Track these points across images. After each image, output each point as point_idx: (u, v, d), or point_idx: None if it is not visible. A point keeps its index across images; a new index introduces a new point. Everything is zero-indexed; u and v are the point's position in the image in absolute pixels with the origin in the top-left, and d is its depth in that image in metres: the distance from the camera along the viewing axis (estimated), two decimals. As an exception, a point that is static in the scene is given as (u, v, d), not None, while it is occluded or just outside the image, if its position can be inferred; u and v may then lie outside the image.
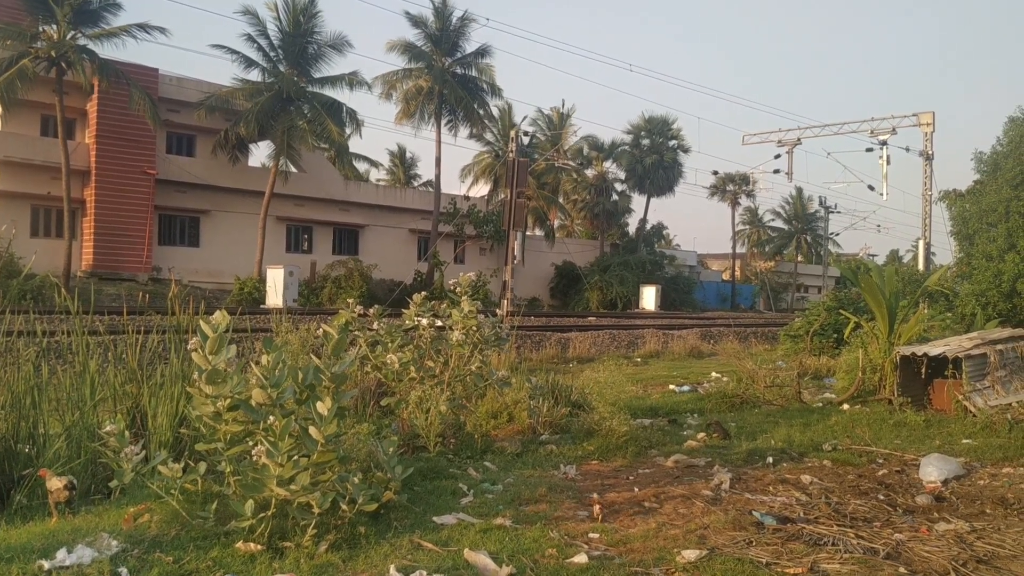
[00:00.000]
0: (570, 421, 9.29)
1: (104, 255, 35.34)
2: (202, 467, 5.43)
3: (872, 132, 35.86)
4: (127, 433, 5.61)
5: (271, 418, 4.94)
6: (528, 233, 53.42)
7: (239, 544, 4.86)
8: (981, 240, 21.79)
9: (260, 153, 42.25)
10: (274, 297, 33.61)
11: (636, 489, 6.91)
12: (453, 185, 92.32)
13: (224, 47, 36.59)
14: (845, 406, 12.25)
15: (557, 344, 22.03)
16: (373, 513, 5.37)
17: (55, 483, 5.43)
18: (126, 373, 7.14)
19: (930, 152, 33.54)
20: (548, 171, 55.03)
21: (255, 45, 36.90)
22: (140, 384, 6.97)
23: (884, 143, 35.30)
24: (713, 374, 16.98)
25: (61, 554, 4.52)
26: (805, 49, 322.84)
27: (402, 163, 66.40)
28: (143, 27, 33.04)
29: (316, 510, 4.89)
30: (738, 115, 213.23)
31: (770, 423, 10.67)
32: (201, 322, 5.26)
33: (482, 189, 54.79)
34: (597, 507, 6.22)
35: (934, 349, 11.75)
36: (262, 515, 4.88)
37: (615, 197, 60.65)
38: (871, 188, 39.77)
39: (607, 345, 23.86)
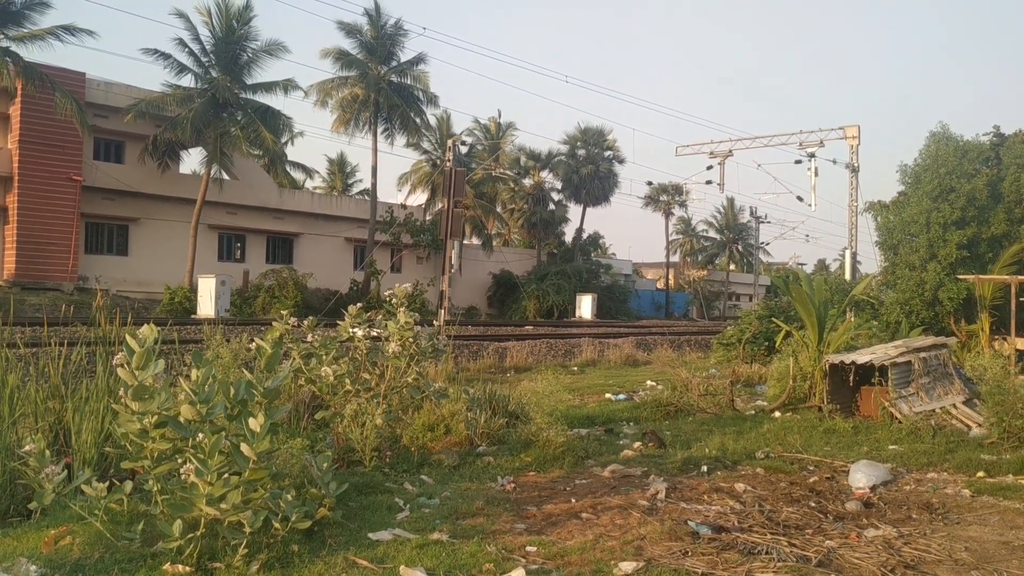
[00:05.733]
0: (508, 432, 9.27)
1: (27, 264, 34.13)
2: (128, 486, 5.26)
3: (801, 145, 36.73)
4: (48, 452, 5.40)
5: (200, 435, 4.80)
6: (466, 242, 53.38)
7: (167, 566, 4.71)
8: (904, 250, 22.43)
9: (192, 160, 41.38)
10: (206, 307, 32.95)
11: (573, 500, 6.92)
12: (391, 193, 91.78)
13: (155, 51, 35.63)
14: (777, 414, 12.48)
15: (495, 354, 22.01)
16: (307, 531, 5.26)
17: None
18: (49, 388, 6.89)
19: (856, 164, 34.47)
20: (486, 180, 55.10)
21: (187, 50, 36.10)
22: (63, 400, 6.73)
23: (812, 155, 36.18)
24: (648, 382, 17.14)
25: (-24, 581, 4.34)
26: (738, 63, 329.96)
27: (341, 171, 65.71)
28: (69, 29, 32.09)
29: (247, 529, 4.76)
30: (672, 127, 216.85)
31: (704, 431, 10.81)
32: (127, 336, 5.10)
33: (420, 198, 54.62)
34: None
35: (861, 357, 12.06)
36: (191, 535, 4.74)
37: (552, 206, 60.91)
38: (800, 199, 40.77)
39: (544, 354, 23.94)
